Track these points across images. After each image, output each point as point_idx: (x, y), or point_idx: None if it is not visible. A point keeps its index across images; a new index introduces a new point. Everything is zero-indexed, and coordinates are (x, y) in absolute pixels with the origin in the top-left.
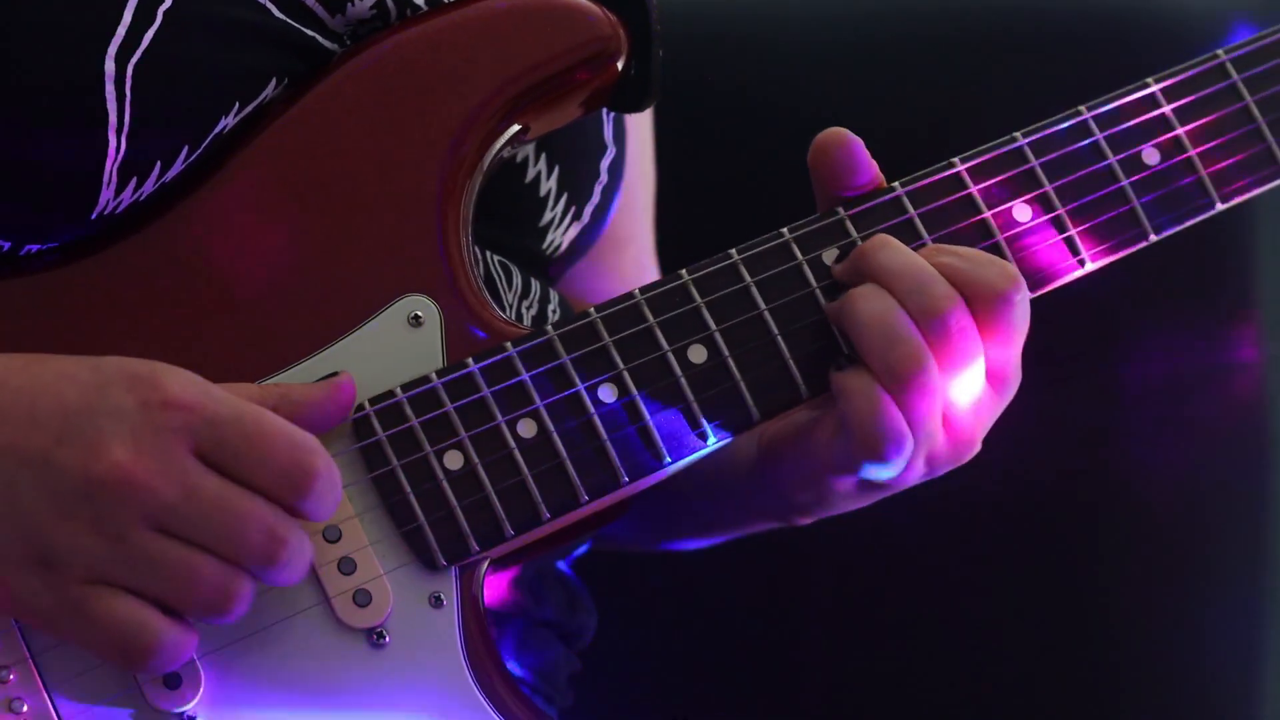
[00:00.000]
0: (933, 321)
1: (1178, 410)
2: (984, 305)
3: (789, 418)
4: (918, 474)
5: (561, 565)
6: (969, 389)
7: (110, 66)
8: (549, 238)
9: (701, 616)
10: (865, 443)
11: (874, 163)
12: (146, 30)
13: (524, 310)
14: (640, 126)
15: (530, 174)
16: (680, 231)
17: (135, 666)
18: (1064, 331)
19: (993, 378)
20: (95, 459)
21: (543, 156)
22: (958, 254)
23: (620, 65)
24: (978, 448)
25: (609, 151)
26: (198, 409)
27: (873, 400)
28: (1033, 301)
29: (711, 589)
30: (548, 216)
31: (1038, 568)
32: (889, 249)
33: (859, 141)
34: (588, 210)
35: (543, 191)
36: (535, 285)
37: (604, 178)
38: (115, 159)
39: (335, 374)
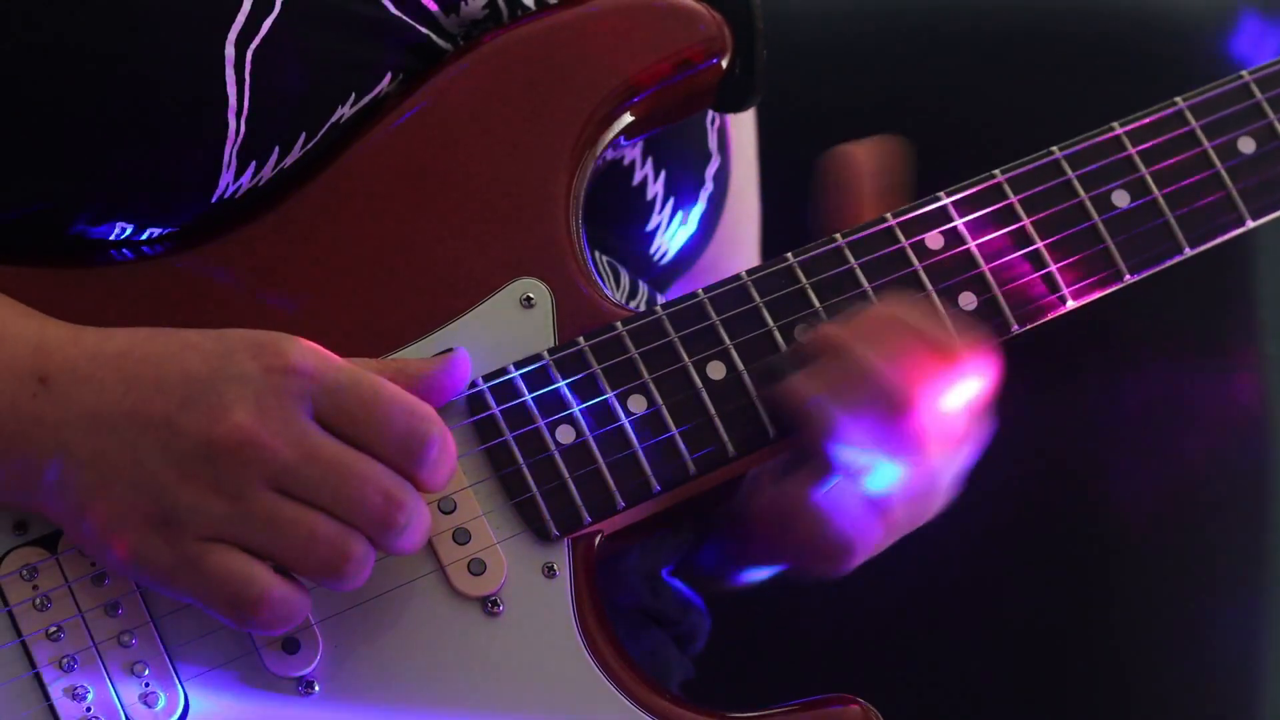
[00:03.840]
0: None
1: (1177, 411)
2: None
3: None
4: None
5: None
6: (928, 471)
7: (230, 51)
8: (657, 242)
9: (817, 625)
10: (818, 549)
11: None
12: (266, 18)
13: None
14: (744, 150)
15: (638, 177)
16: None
17: (243, 620)
18: (1062, 332)
19: (950, 445)
20: (217, 422)
21: (649, 161)
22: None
23: (725, 64)
24: (943, 502)
25: (714, 160)
26: (317, 375)
27: (827, 511)
28: None
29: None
30: (655, 221)
31: (1040, 569)
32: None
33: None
34: (694, 217)
35: (650, 195)
36: (643, 287)
37: (710, 186)
38: (235, 141)
39: (450, 350)
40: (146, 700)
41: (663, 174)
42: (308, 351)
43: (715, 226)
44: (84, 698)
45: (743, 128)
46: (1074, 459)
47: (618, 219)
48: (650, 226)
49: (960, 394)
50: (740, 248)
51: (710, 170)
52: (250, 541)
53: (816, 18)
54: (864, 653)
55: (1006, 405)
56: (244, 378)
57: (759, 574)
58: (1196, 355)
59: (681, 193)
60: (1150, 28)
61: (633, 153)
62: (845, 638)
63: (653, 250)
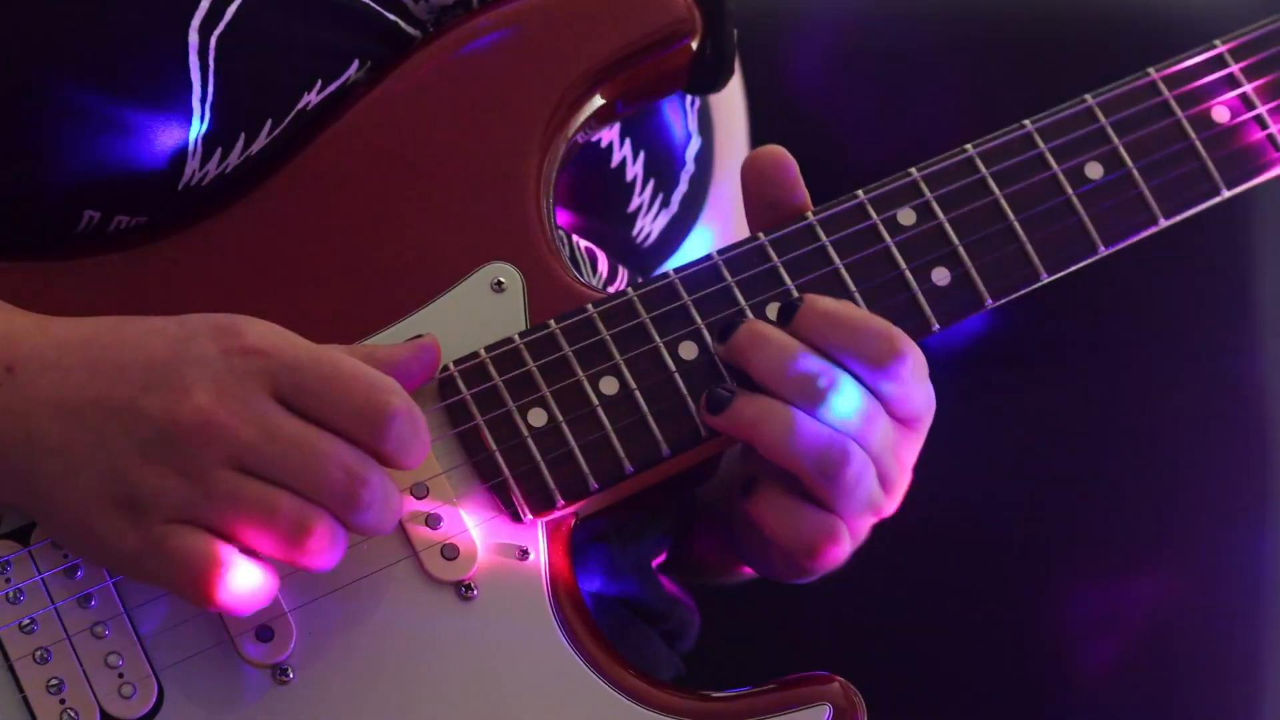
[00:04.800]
0: (837, 420)
1: (1177, 410)
2: (875, 378)
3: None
4: (864, 535)
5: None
6: (886, 450)
7: (194, 38)
8: (638, 224)
9: (808, 622)
10: (803, 553)
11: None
12: (230, 4)
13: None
14: (735, 135)
15: (616, 159)
16: None
17: (207, 600)
18: (1062, 332)
19: (905, 423)
20: (178, 404)
21: (627, 142)
22: (840, 322)
23: (694, 45)
24: (908, 479)
25: (694, 141)
26: (276, 354)
27: (796, 518)
28: (1033, 294)
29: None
30: (636, 202)
31: (1032, 565)
32: (765, 349)
33: (793, 163)
34: (676, 198)
35: (629, 177)
36: (623, 271)
37: (691, 167)
38: (200, 129)
39: (420, 335)
40: (121, 691)
41: (642, 155)
42: (266, 331)
43: (699, 208)
44: (58, 690)
45: (733, 111)
46: (1072, 458)
47: (598, 202)
48: (631, 208)
49: (911, 371)
50: (729, 231)
51: (691, 151)
52: (213, 522)
53: (807, 4)
54: (856, 650)
55: (1002, 406)
56: (203, 359)
57: (745, 574)
58: (1196, 354)
59: (661, 174)
60: (1151, 30)
61: (610, 134)
62: (837, 634)
63: (635, 233)
